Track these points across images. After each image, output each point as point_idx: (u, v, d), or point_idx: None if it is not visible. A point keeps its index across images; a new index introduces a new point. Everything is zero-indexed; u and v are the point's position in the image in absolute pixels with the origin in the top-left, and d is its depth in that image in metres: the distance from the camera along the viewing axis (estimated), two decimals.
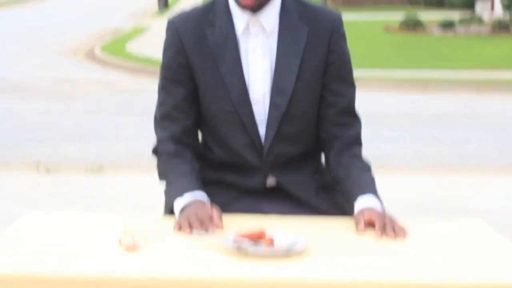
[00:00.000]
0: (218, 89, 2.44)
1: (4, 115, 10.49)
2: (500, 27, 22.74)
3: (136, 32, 24.92)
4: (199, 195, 2.33)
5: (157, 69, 2.77)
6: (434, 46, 20.56)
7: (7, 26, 27.83)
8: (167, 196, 2.46)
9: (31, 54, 19.21)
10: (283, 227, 2.22)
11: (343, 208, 2.49)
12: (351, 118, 2.55)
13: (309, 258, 2.05)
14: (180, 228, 2.22)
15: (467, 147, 8.70)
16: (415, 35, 23.06)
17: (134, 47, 20.25)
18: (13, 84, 13.82)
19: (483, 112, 11.54)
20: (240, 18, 2.45)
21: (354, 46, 17.70)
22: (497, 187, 6.34)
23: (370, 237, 2.21)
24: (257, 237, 2.08)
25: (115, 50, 19.43)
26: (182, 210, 2.29)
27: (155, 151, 2.56)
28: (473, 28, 24.00)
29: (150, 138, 2.69)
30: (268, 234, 2.10)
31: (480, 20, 25.44)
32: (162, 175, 2.51)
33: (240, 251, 2.04)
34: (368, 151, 2.70)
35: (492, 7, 34.94)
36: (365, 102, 11.09)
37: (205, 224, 2.20)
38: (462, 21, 25.05)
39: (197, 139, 2.59)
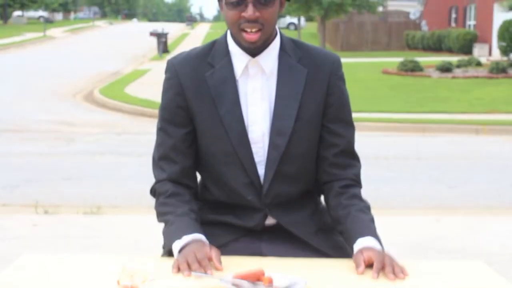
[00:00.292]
0: (217, 130, 2.44)
1: (3, 156, 10.51)
2: (498, 70, 22.87)
3: (136, 75, 25.06)
4: (198, 236, 2.32)
5: (156, 111, 2.78)
6: (432, 88, 20.67)
7: (7, 68, 27.96)
8: (166, 237, 2.44)
9: (30, 96, 19.29)
10: (282, 268, 2.20)
11: (342, 248, 2.48)
12: (351, 159, 2.55)
13: None
14: (178, 269, 2.20)
15: (466, 188, 8.70)
16: (413, 77, 23.18)
17: (133, 89, 20.35)
18: (12, 126, 13.86)
19: (481, 154, 11.57)
20: (239, 59, 2.46)
21: (353, 88, 17.96)
22: (496, 228, 6.32)
23: (370, 279, 2.19)
24: (256, 278, 2.07)
25: (114, 92, 19.52)
26: (181, 251, 2.28)
27: (153, 192, 2.55)
28: (471, 71, 24.15)
29: (148, 179, 2.69)
30: (267, 274, 2.08)
31: (478, 63, 25.60)
32: (160, 216, 2.49)
33: None
34: (367, 191, 2.70)
35: (490, 51, 35.22)
36: (364, 143, 11.13)
37: (203, 265, 2.18)
38: (460, 64, 25.21)
39: (195, 180, 2.59)
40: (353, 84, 20.47)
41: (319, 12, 39.82)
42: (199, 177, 2.61)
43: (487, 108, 16.75)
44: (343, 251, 2.47)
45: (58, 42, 48.48)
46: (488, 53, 35.74)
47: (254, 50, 2.41)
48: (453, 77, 22.83)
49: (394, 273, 2.18)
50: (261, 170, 2.47)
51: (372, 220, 2.42)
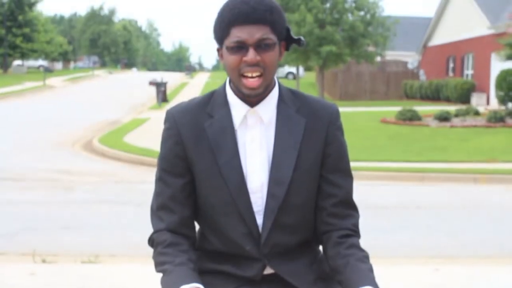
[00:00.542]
0: (216, 180, 2.45)
1: (2, 204, 10.49)
2: (496, 119, 22.97)
3: (135, 124, 25.13)
4: (196, 286, 2.31)
5: (155, 160, 2.79)
6: (430, 137, 20.73)
7: (6, 117, 28.06)
8: (164, 287, 2.43)
9: (29, 145, 19.32)
10: None
11: None
12: (349, 209, 2.55)
13: None
14: None
15: (465, 237, 8.68)
16: (411, 127, 23.25)
17: (132, 138, 20.40)
18: (11, 174, 13.86)
19: (480, 203, 11.56)
20: (238, 109, 2.47)
21: (352, 137, 17.96)
22: (496, 277, 6.29)
23: None
24: None
25: (113, 141, 19.56)
26: None
27: (151, 241, 2.55)
28: (469, 120, 24.25)
29: (146, 228, 2.68)
30: None
31: (476, 113, 25.71)
32: (158, 265, 2.48)
33: None
34: (366, 241, 2.70)
35: (488, 100, 35.42)
36: (362, 193, 11.13)
37: None
38: (458, 114, 25.32)
39: (194, 230, 2.58)
40: (352, 133, 20.55)
41: (317, 62, 40.16)
42: (197, 226, 2.61)
43: (486, 157, 16.77)
44: None
45: (58, 91, 48.75)
46: (486, 102, 35.93)
47: (254, 97, 2.42)
48: (452, 126, 22.91)
49: None
50: (259, 219, 2.47)
51: (371, 270, 2.41)
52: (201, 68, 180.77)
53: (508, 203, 11.64)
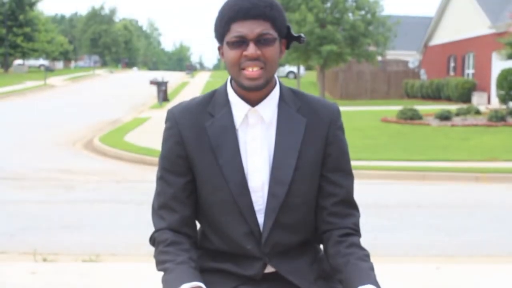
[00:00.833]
0: (217, 180, 2.45)
1: (2, 204, 10.50)
2: (497, 118, 22.96)
3: (136, 123, 25.12)
4: (197, 284, 2.31)
5: (156, 160, 2.79)
6: (431, 136, 20.73)
7: (7, 116, 28.07)
8: (165, 285, 2.42)
9: (30, 145, 19.33)
10: None
11: None
12: (350, 209, 2.55)
13: None
14: None
15: (466, 236, 8.67)
16: (412, 126, 23.25)
17: (133, 138, 20.41)
18: (12, 174, 13.87)
19: (481, 202, 11.56)
20: (239, 109, 2.48)
21: (352, 137, 17.96)
22: (497, 276, 6.29)
23: None
24: None
25: (114, 140, 19.57)
26: None
27: (153, 240, 2.55)
28: (470, 119, 24.25)
29: (147, 227, 2.68)
30: None
31: (477, 112, 25.71)
32: (159, 264, 2.48)
33: None
34: (367, 240, 2.70)
35: (489, 100, 35.41)
36: (363, 192, 11.13)
37: None
38: (459, 113, 25.31)
39: (195, 229, 2.58)
40: (353, 132, 20.56)
41: (318, 61, 40.17)
42: (198, 225, 2.61)
43: (487, 156, 16.77)
44: None
45: (59, 91, 48.76)
46: (487, 101, 35.93)
47: (255, 89, 2.41)
48: (452, 125, 22.91)
49: None
50: (260, 218, 2.47)
51: (371, 268, 2.41)
52: (202, 67, 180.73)
53: (509, 202, 11.64)
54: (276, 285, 2.50)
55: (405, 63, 49.36)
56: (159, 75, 51.15)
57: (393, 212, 10.33)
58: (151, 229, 2.53)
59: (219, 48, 2.49)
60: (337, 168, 2.52)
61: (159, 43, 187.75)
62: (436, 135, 20.90)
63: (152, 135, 20.37)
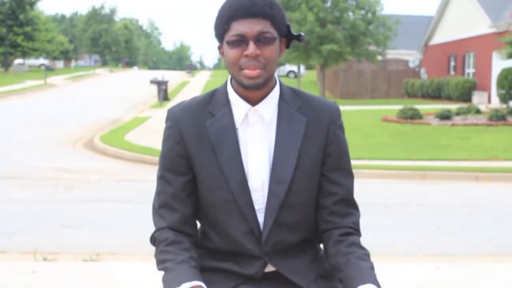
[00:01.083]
0: (217, 179, 2.45)
1: (2, 203, 10.50)
2: (497, 117, 22.95)
3: (136, 122, 25.13)
4: (197, 283, 2.31)
5: (156, 159, 2.79)
6: (432, 136, 20.72)
7: (7, 115, 28.07)
8: (165, 284, 2.42)
9: (30, 144, 19.33)
10: None
11: None
12: (350, 208, 2.55)
13: None
14: None
15: (466, 235, 8.67)
16: (413, 125, 23.24)
17: (134, 137, 20.42)
18: (12, 173, 13.87)
19: (481, 201, 11.56)
20: (239, 108, 2.48)
21: (353, 136, 17.96)
22: (497, 275, 6.29)
23: None
24: None
25: (114, 140, 19.57)
26: None
27: (153, 240, 2.55)
28: (471, 118, 24.23)
29: (148, 226, 2.68)
30: None
31: (477, 111, 25.69)
32: (160, 263, 2.48)
33: None
34: (367, 239, 2.70)
35: (489, 99, 35.41)
36: (364, 190, 11.14)
37: None
38: (459, 112, 25.30)
39: (195, 228, 2.59)
40: (353, 131, 20.57)
41: (318, 61, 40.15)
42: (199, 225, 2.61)
43: (487, 155, 16.77)
44: None
45: (59, 90, 48.76)
46: (487, 100, 35.93)
47: (255, 88, 2.41)
48: (453, 125, 22.90)
49: None
50: (260, 217, 2.47)
51: (372, 267, 2.41)
52: (202, 66, 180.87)
53: (509, 201, 11.64)
54: (276, 284, 2.50)
55: (406, 62, 49.35)
56: (160, 74, 51.19)
57: (393, 211, 10.33)
58: (152, 228, 2.53)
59: (219, 48, 2.49)
60: (337, 167, 2.52)
61: (159, 42, 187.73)
62: (436, 135, 20.90)
63: (152, 134, 20.38)
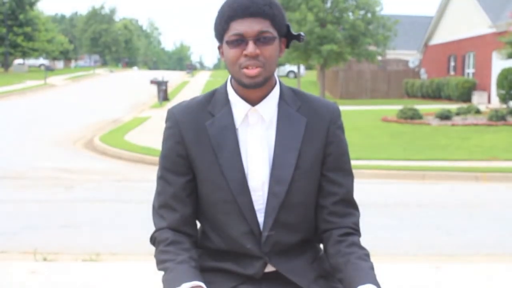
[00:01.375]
0: (217, 179, 2.45)
1: (2, 203, 10.50)
2: (497, 117, 22.95)
3: (136, 122, 25.13)
4: (197, 284, 2.31)
5: (156, 159, 2.78)
6: (431, 136, 20.72)
7: (7, 115, 28.06)
8: (165, 284, 2.42)
9: (30, 144, 19.33)
10: None
11: None
12: (350, 208, 2.55)
13: None
14: None
15: (466, 235, 8.67)
16: (412, 125, 23.25)
17: (134, 137, 20.41)
18: (12, 173, 13.87)
19: (481, 201, 11.56)
20: (239, 108, 2.48)
21: (353, 136, 17.97)
22: (497, 275, 6.29)
23: None
24: None
25: (114, 140, 19.57)
26: None
27: (153, 240, 2.55)
28: (470, 118, 24.23)
29: (148, 227, 2.68)
30: None
31: (477, 111, 25.69)
32: (160, 263, 2.48)
33: None
34: (367, 239, 2.70)
35: (489, 99, 35.41)
36: (364, 190, 11.14)
37: None
38: (459, 112, 25.30)
39: (195, 228, 2.59)
40: (353, 132, 20.57)
41: (318, 61, 40.17)
42: (198, 225, 2.61)
43: (487, 155, 16.77)
44: None
45: (59, 90, 48.74)
46: (487, 100, 35.93)
47: (254, 87, 2.41)
48: (453, 125, 22.90)
49: None
50: (260, 218, 2.47)
51: (371, 267, 2.41)
52: (202, 67, 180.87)
53: (509, 201, 11.64)
54: (276, 284, 2.50)
55: (405, 62, 49.36)
56: (159, 74, 51.18)
57: (392, 211, 10.33)
58: (152, 228, 2.53)
59: (219, 47, 2.49)
60: (337, 167, 2.52)
61: (159, 42, 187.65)
62: (436, 135, 20.90)
63: (152, 134, 20.38)
